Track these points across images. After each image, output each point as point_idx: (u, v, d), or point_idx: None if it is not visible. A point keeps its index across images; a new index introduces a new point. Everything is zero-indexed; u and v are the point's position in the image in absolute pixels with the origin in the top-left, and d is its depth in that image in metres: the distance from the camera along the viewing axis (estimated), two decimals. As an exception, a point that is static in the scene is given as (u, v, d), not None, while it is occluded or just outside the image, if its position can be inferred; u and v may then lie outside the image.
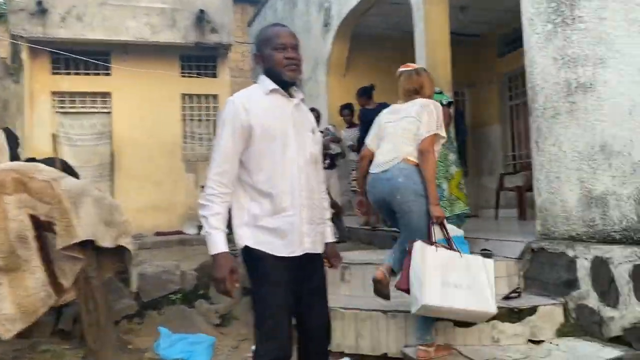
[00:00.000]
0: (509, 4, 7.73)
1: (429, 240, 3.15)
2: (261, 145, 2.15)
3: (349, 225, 7.84)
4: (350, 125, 7.75)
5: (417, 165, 3.28)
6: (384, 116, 3.58)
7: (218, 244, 2.08)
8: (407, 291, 3.15)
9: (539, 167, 4.08)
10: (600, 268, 3.40)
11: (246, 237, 2.17)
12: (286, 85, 2.22)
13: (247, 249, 2.16)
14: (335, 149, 7.42)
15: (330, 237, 2.42)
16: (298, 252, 2.16)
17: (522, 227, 5.15)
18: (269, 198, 2.15)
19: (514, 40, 8.69)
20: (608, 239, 3.47)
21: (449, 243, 3.20)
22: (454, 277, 3.05)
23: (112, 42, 9.13)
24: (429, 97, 3.52)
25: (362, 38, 8.76)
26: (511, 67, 8.71)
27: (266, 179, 2.15)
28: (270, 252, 2.14)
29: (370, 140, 3.61)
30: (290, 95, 2.27)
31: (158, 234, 9.31)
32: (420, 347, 3.33)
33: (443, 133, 3.35)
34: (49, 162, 7.37)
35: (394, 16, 8.08)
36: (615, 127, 3.39)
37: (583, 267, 3.53)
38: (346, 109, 7.69)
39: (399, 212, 3.31)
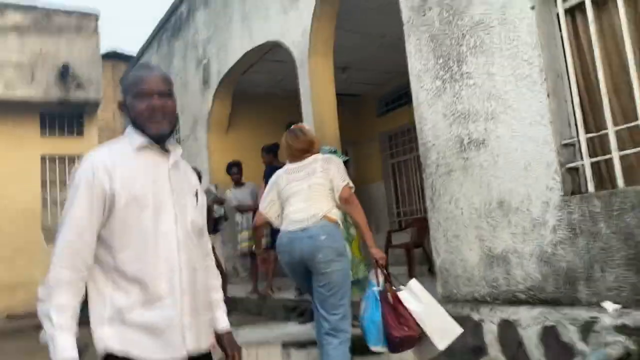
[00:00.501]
0: (387, 65, 8.03)
1: (387, 286, 3.11)
2: (127, 215, 1.66)
3: (234, 294, 7.25)
4: (238, 184, 7.30)
5: (336, 223, 3.24)
6: (281, 178, 3.43)
7: (65, 350, 1.52)
8: (414, 338, 2.98)
9: (435, 226, 3.92)
10: (508, 331, 3.23)
11: (108, 338, 1.62)
12: (160, 139, 1.77)
13: (109, 357, 1.60)
14: (218, 210, 6.90)
15: (225, 323, 1.93)
16: (179, 355, 1.65)
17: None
18: (138, 284, 1.64)
19: (393, 100, 8.96)
20: (513, 300, 3.32)
21: (391, 284, 3.13)
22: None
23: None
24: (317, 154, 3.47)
25: (245, 95, 8.50)
26: (391, 126, 8.92)
27: (134, 258, 1.65)
28: (143, 357, 1.61)
29: (266, 206, 3.44)
30: (167, 151, 1.82)
31: (10, 317, 7.95)
32: None
33: (351, 184, 3.32)
34: None
35: (277, 74, 7.95)
36: (511, 182, 3.31)
37: (490, 332, 3.34)
38: (234, 166, 7.25)
39: (318, 272, 3.16)
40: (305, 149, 3.41)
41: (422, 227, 7.89)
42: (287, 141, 3.45)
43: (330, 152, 3.99)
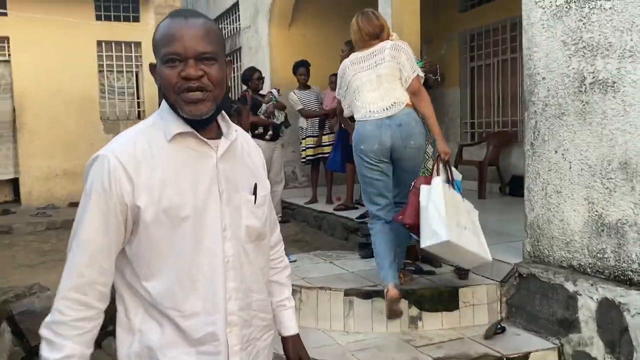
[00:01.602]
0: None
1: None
2: (156, 233, 1.25)
3: (292, 201, 7.05)
4: (303, 86, 6.80)
5: (415, 108, 3.33)
6: (348, 68, 3.47)
7: None
8: (413, 226, 3.15)
9: (533, 175, 3.37)
10: (610, 313, 2.80)
11: None
12: (201, 124, 1.29)
13: None
14: (279, 117, 6.48)
15: (292, 328, 1.59)
16: None
17: (500, 226, 4.49)
18: (172, 321, 1.28)
19: (479, -6, 7.87)
20: (622, 279, 2.84)
21: (451, 184, 3.21)
22: (462, 219, 3.10)
23: (5, -26, 7.53)
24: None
25: (310, -17, 7.64)
26: (474, 24, 7.92)
27: (165, 290, 1.27)
28: None
29: (339, 95, 3.63)
30: (215, 136, 1.37)
31: (72, 204, 8.16)
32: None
33: (421, 73, 3.38)
34: None
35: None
36: (645, 142, 2.68)
37: (587, 308, 2.92)
38: (302, 66, 6.72)
39: (407, 157, 3.33)
40: (375, 34, 3.37)
41: (498, 143, 7.25)
42: (358, 23, 3.39)
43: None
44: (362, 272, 3.90)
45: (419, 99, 3.31)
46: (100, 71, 8.80)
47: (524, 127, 3.42)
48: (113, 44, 8.76)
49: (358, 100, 3.39)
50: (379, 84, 3.31)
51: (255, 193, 1.38)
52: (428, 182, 3.15)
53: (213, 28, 1.30)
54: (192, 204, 1.26)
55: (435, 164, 3.24)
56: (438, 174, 3.17)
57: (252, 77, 6.34)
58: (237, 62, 9.19)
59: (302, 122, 6.85)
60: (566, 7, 3.05)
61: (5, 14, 7.95)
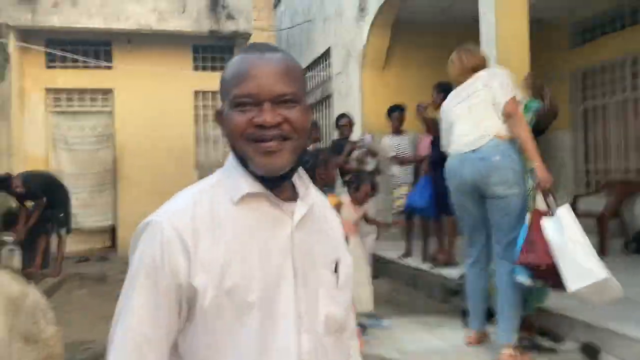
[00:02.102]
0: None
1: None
2: (217, 323, 0.97)
3: (384, 254, 6.63)
4: (397, 131, 6.47)
5: (511, 141, 3.07)
6: (446, 105, 3.40)
7: None
8: (549, 267, 2.79)
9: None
10: None
11: None
12: (276, 182, 1.03)
13: None
14: (370, 163, 6.16)
15: None
16: None
17: (626, 291, 3.79)
18: None
19: (593, 28, 7.24)
20: None
21: (550, 210, 2.95)
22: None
23: (112, 30, 7.99)
24: None
25: (405, 25, 7.41)
26: (586, 62, 7.26)
27: None
28: None
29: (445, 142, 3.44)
30: (290, 198, 1.07)
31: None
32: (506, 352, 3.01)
33: (519, 97, 3.17)
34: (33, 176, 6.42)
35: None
36: None
37: None
38: (397, 110, 6.41)
39: (493, 196, 3.08)
40: (471, 68, 3.26)
41: (622, 192, 6.42)
42: (460, 56, 3.31)
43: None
44: (464, 347, 3.39)
45: (513, 122, 3.03)
46: (196, 120, 9.03)
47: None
48: (210, 93, 9.00)
49: (452, 134, 3.27)
50: (470, 115, 3.17)
51: (336, 271, 1.07)
52: (539, 217, 2.89)
53: (294, 64, 1.04)
54: (260, 287, 0.97)
55: (538, 195, 3.00)
56: (549, 207, 2.92)
57: (338, 122, 6.15)
58: (328, 109, 9.10)
59: (395, 169, 6.49)
60: None
61: (110, 67, 8.43)
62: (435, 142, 5.88)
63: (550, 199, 2.97)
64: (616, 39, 6.73)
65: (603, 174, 7.04)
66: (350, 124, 6.13)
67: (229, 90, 1.01)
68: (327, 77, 9.04)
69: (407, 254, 6.43)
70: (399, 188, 6.43)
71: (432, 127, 5.04)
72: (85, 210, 8.62)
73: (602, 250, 6.00)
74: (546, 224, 2.83)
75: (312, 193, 1.10)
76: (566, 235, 2.75)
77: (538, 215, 2.92)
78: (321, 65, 9.38)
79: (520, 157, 3.11)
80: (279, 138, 0.98)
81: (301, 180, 1.10)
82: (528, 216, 3.03)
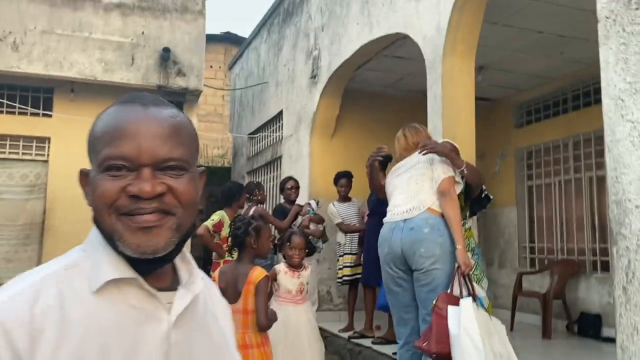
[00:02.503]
0: (536, 68, 6.58)
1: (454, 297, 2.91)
2: None
3: (325, 326, 6.30)
4: (344, 198, 6.36)
5: (442, 216, 3.10)
6: (388, 178, 3.48)
7: None
8: (441, 356, 2.75)
9: (629, 331, 2.64)
10: None
11: None
12: (150, 265, 0.82)
13: None
14: (312, 229, 5.95)
15: None
16: None
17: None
18: None
19: (537, 110, 7.47)
20: None
21: (474, 301, 2.89)
22: (495, 345, 2.78)
23: (54, 78, 7.68)
24: None
25: (355, 94, 7.46)
26: (531, 141, 7.45)
27: None
28: None
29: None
30: (169, 286, 0.85)
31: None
32: None
33: (458, 177, 3.22)
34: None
35: (396, 72, 6.82)
36: None
37: None
38: (344, 177, 6.32)
39: (418, 269, 3.07)
40: (419, 144, 3.30)
41: (564, 273, 6.42)
42: (405, 133, 3.43)
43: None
44: None
45: (445, 200, 3.09)
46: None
47: (612, 265, 2.74)
48: (153, 148, 8.69)
49: (390, 205, 3.32)
50: (408, 187, 3.23)
51: None
52: (453, 301, 2.85)
53: (184, 123, 0.87)
54: None
55: (456, 278, 2.98)
56: (461, 291, 2.90)
57: (283, 185, 5.97)
58: (277, 171, 8.94)
59: (341, 237, 6.32)
60: (665, 121, 2.49)
61: (50, 116, 8.05)
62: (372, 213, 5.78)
63: (468, 283, 2.96)
64: (560, 121, 6.95)
65: (547, 253, 7.05)
66: (297, 188, 5.96)
67: (99, 149, 0.82)
68: (278, 138, 8.94)
69: (349, 327, 6.15)
70: (344, 257, 6.23)
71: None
72: (7, 264, 7.96)
73: (545, 332, 5.90)
74: (451, 311, 2.79)
75: (198, 279, 0.87)
76: (462, 327, 2.71)
77: (445, 299, 2.87)
78: (273, 127, 9.30)
79: (448, 235, 3.11)
80: (159, 212, 0.78)
81: (184, 262, 0.88)
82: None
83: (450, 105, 4.20)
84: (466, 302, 2.83)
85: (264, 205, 6.17)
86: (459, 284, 2.96)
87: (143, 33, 7.91)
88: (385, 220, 3.33)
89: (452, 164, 3.26)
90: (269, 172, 9.41)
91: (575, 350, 5.36)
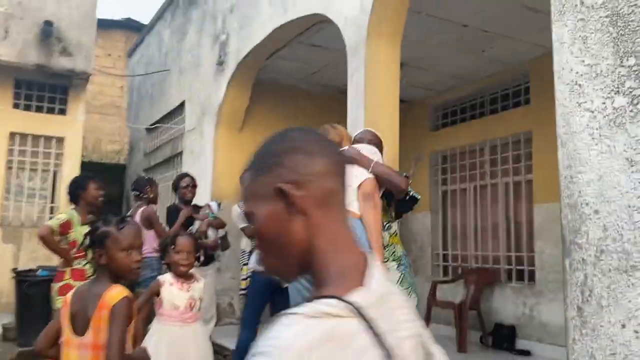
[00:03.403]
0: (455, 68, 6.33)
1: None
2: None
3: (225, 343, 5.62)
4: None
5: (359, 220, 2.68)
6: None
7: None
8: None
9: (583, 353, 2.23)
10: None
11: None
12: None
13: None
14: (213, 235, 5.25)
15: None
16: None
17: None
18: None
19: (453, 113, 7.25)
20: None
21: None
22: None
23: None
24: None
25: (267, 86, 6.86)
26: (446, 145, 7.21)
27: None
28: None
29: None
30: None
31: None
32: None
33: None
34: None
35: (313, 63, 6.29)
36: None
37: None
38: None
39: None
40: (338, 143, 2.86)
41: (479, 282, 6.18)
42: (322, 132, 2.52)
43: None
44: None
45: (366, 206, 2.69)
46: (10, 167, 7.48)
47: (565, 281, 2.32)
48: (30, 137, 7.56)
49: None
50: None
51: None
52: None
53: None
54: None
55: None
56: None
57: (177, 183, 5.19)
58: (177, 168, 8.10)
59: (245, 243, 5.64)
60: (632, 110, 2.11)
61: None
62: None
63: None
64: (476, 125, 6.75)
65: (461, 261, 6.81)
66: (193, 186, 5.21)
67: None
68: (179, 133, 8.11)
69: (251, 344, 5.49)
70: (248, 266, 5.57)
71: None
72: None
73: (461, 345, 5.59)
74: None
75: None
76: None
77: None
78: (174, 119, 8.45)
79: (365, 240, 2.63)
80: None
81: None
82: None
83: (373, 95, 3.71)
84: None
85: (157, 205, 5.38)
86: None
87: (20, 2, 6.80)
88: None
89: (359, 166, 2.76)
90: (168, 170, 8.54)
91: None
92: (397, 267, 2.87)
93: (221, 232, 5.27)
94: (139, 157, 10.08)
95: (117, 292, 1.78)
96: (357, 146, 2.86)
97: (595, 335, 2.16)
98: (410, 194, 3.00)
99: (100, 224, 1.92)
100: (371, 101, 3.72)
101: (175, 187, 5.19)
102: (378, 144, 3.07)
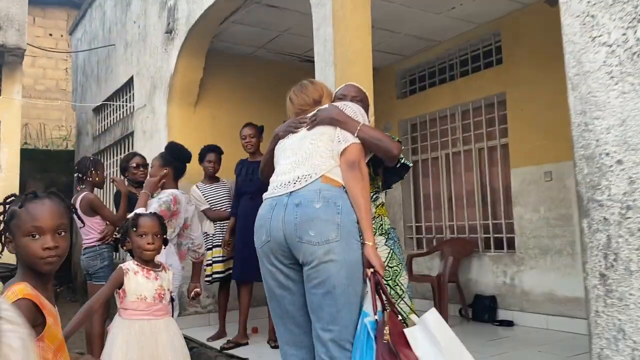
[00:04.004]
0: (424, 27, 5.97)
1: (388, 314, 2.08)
2: None
3: (191, 334, 5.21)
4: (211, 178, 5.28)
5: (342, 188, 2.24)
6: (278, 144, 2.55)
7: None
8: None
9: (610, 333, 1.95)
10: None
11: None
12: None
13: None
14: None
15: None
16: None
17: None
18: None
19: (420, 79, 6.94)
20: None
21: (395, 313, 2.14)
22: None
23: None
24: None
25: (223, 56, 6.38)
26: (414, 112, 6.91)
27: None
28: None
29: None
30: None
31: None
32: None
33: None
34: None
35: (273, 27, 5.82)
36: None
37: None
38: (211, 152, 5.22)
39: (308, 262, 2.15)
40: (310, 103, 2.51)
41: (456, 253, 5.93)
42: (290, 97, 2.59)
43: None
44: None
45: (352, 175, 2.24)
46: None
47: (583, 244, 2.02)
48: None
49: (273, 174, 2.44)
50: (300, 147, 2.38)
51: None
52: (397, 324, 2.10)
53: None
54: None
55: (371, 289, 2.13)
56: (374, 305, 2.09)
57: (128, 164, 4.69)
58: (129, 150, 7.55)
59: (208, 226, 5.23)
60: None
61: None
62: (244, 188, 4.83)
63: (381, 290, 2.18)
64: (446, 89, 6.45)
65: (435, 232, 6.56)
66: (145, 165, 4.73)
67: None
68: (129, 112, 7.54)
69: (221, 333, 5.13)
70: (213, 250, 5.16)
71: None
72: None
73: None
74: (412, 335, 2.06)
75: None
76: (441, 345, 2.02)
77: (395, 326, 2.07)
78: (123, 97, 7.85)
79: (352, 212, 2.25)
80: None
81: None
82: (369, 310, 2.11)
83: (343, 49, 3.31)
84: (430, 314, 2.09)
85: (103, 189, 4.88)
86: (371, 294, 2.12)
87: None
88: (264, 196, 2.39)
89: (343, 129, 2.35)
90: (119, 153, 7.96)
91: (473, 338, 4.84)
92: (386, 241, 2.52)
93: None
94: (88, 141, 9.43)
95: (12, 293, 1.33)
96: (339, 104, 2.46)
97: (623, 306, 1.87)
98: (402, 161, 2.64)
99: (14, 200, 1.47)
100: (341, 56, 3.32)
101: (124, 168, 4.69)
102: (363, 100, 2.69)
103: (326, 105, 2.45)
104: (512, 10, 5.52)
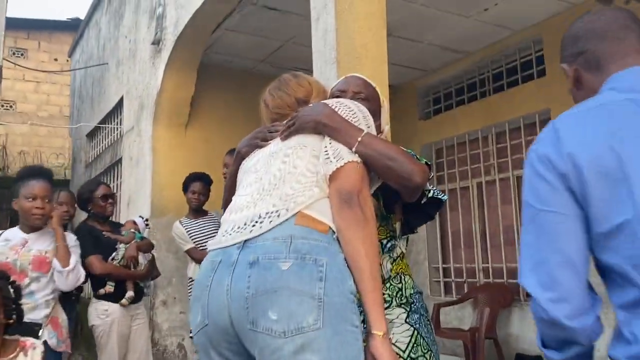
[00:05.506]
0: (450, 34, 5.09)
1: None
2: None
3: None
4: (198, 212, 4.42)
5: (328, 233, 1.34)
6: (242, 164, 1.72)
7: None
8: None
9: None
10: None
11: None
12: None
13: None
14: (142, 263, 3.95)
15: None
16: None
17: None
18: None
19: (446, 96, 6.11)
20: None
21: None
22: None
23: None
24: None
25: (219, 71, 5.65)
26: (440, 135, 6.06)
27: None
28: None
29: None
30: None
31: None
32: None
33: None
34: None
35: (271, 36, 5.07)
36: None
37: None
38: (197, 181, 4.37)
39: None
40: (292, 105, 1.66)
41: (492, 301, 4.99)
42: (264, 98, 1.78)
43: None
44: None
45: (349, 216, 1.35)
46: None
47: None
48: None
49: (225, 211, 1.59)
50: (267, 169, 1.52)
51: None
52: None
53: None
54: None
55: None
56: None
57: (92, 194, 3.88)
58: (117, 179, 6.80)
59: (193, 269, 4.37)
60: None
61: None
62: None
63: None
64: (477, 108, 5.59)
65: (467, 276, 5.61)
66: (112, 197, 3.92)
67: None
68: (118, 136, 6.83)
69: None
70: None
71: None
72: None
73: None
74: None
75: None
76: None
77: None
78: (114, 120, 7.15)
79: (346, 273, 1.34)
80: None
81: None
82: None
83: (349, 41, 2.49)
84: None
85: (70, 224, 4.07)
86: None
87: None
88: (208, 246, 1.51)
89: (334, 140, 1.48)
90: (110, 181, 7.22)
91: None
92: (407, 317, 1.63)
93: (148, 257, 3.97)
94: (81, 168, 8.75)
95: None
96: (332, 102, 1.59)
97: None
98: (430, 193, 1.76)
99: None
100: (346, 54, 2.49)
101: (87, 199, 3.88)
102: (371, 99, 1.81)
103: (312, 105, 1.59)
104: (556, 12, 4.69)
